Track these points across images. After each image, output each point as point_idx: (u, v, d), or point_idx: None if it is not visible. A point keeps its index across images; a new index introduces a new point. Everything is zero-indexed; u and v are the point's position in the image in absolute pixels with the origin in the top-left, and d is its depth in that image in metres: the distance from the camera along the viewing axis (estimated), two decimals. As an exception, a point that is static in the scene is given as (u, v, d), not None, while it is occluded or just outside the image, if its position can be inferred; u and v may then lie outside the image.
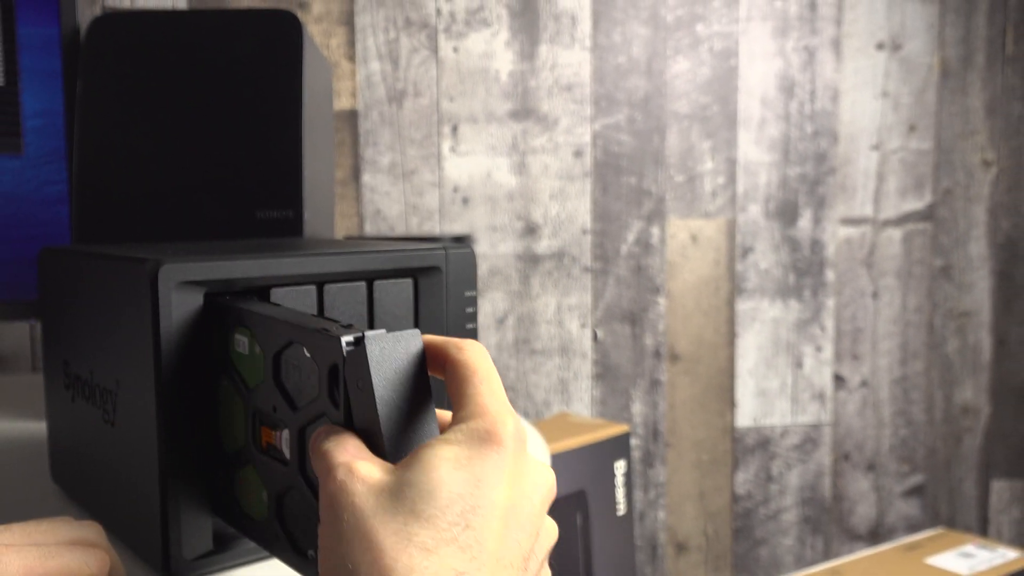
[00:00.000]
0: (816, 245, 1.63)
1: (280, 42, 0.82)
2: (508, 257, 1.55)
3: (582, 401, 1.59)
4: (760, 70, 1.60)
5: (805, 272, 1.64)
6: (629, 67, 1.56)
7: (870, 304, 1.67)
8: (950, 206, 1.68)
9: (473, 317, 0.65)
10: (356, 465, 0.41)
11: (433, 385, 0.44)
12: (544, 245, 1.56)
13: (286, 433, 0.48)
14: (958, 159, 1.67)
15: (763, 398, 1.65)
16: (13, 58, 0.93)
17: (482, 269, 1.54)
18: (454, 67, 1.51)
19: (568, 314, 1.58)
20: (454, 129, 1.52)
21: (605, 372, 1.60)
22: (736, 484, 1.66)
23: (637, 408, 1.61)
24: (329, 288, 0.57)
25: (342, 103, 1.49)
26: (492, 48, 1.52)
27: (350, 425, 0.43)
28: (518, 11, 1.52)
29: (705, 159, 1.59)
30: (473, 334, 0.65)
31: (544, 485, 0.44)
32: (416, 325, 0.62)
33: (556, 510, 1.31)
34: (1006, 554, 1.44)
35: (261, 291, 0.54)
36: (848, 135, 1.63)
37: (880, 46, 1.63)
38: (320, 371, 0.45)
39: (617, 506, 1.39)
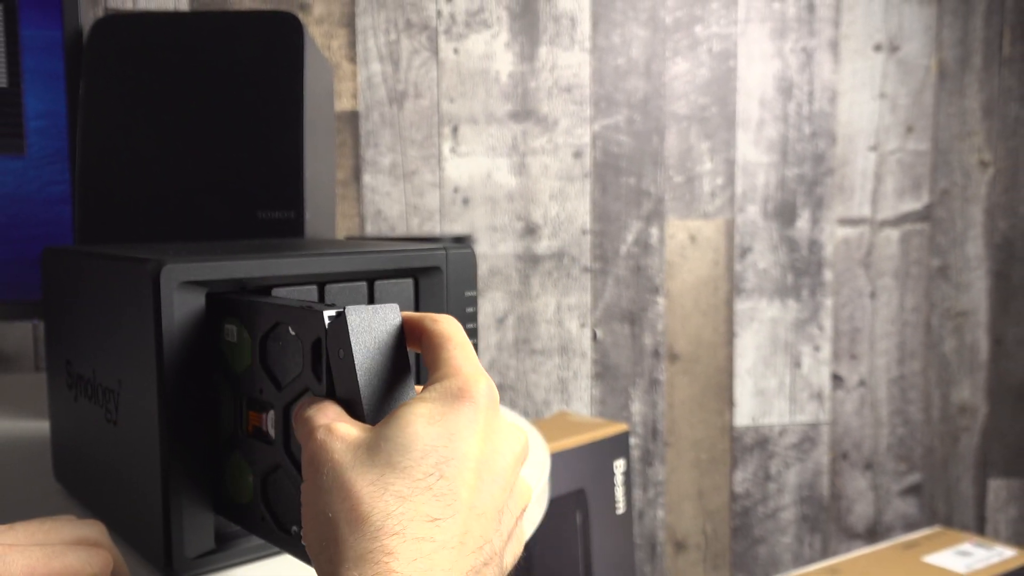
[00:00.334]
0: (814, 245, 1.64)
1: (281, 44, 0.82)
2: (508, 257, 1.55)
3: (581, 400, 1.60)
4: (758, 71, 1.60)
5: (803, 272, 1.64)
6: (628, 68, 1.56)
7: (868, 304, 1.67)
8: (947, 207, 1.68)
9: (473, 317, 0.65)
10: (335, 425, 0.43)
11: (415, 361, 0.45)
12: (544, 245, 1.56)
13: (271, 414, 0.50)
14: (955, 160, 1.67)
15: (761, 397, 1.65)
16: (16, 60, 0.94)
17: (482, 269, 1.55)
18: (454, 68, 1.51)
19: (568, 314, 1.58)
20: (454, 130, 1.52)
21: (604, 372, 1.60)
22: (735, 483, 1.66)
23: (636, 407, 1.62)
24: (330, 288, 0.57)
25: (343, 104, 1.49)
26: (492, 49, 1.52)
27: (332, 396, 0.45)
28: (518, 13, 1.52)
29: (704, 160, 1.59)
30: (473, 334, 0.65)
31: (517, 443, 0.45)
32: None
33: (556, 509, 1.31)
34: (1003, 552, 1.44)
35: (263, 291, 0.54)
36: (846, 136, 1.63)
37: (878, 48, 1.63)
38: (304, 347, 0.47)
39: (616, 505, 1.39)
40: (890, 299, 1.68)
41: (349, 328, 0.43)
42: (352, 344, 0.43)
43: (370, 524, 0.39)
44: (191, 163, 0.82)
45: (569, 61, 1.54)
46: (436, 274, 0.63)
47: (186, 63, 0.82)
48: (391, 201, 1.51)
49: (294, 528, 0.48)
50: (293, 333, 0.48)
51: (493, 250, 1.54)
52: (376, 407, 0.44)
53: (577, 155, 1.56)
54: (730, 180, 1.60)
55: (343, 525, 0.40)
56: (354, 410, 0.44)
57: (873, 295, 1.67)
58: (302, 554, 0.47)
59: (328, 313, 0.45)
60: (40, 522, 0.48)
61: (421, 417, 0.42)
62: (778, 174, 1.62)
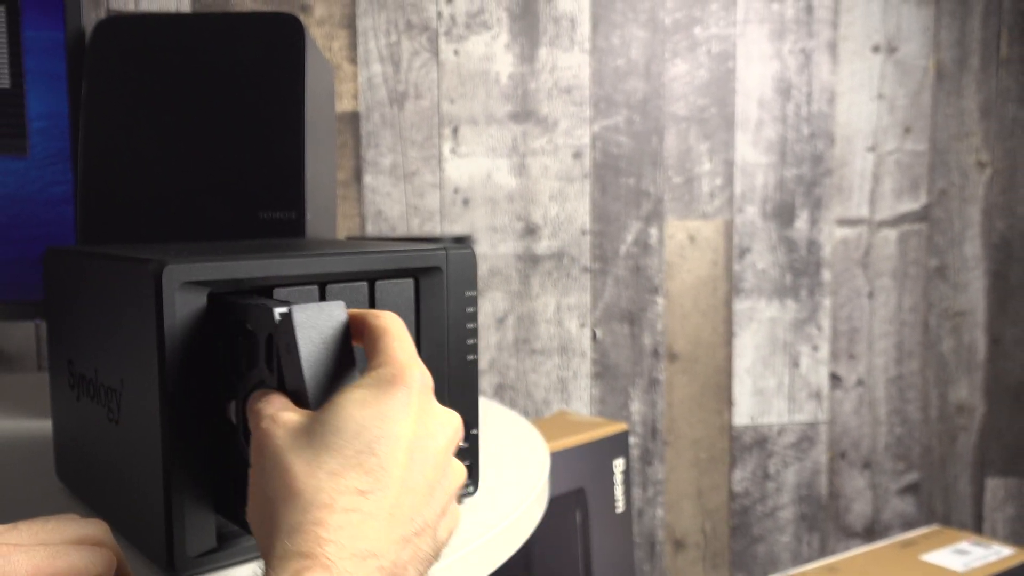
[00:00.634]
0: (813, 246, 1.64)
1: (282, 45, 0.82)
2: (508, 257, 1.55)
3: (581, 400, 1.60)
4: (757, 72, 1.60)
5: (802, 272, 1.64)
6: (628, 69, 1.57)
7: (866, 304, 1.67)
8: (945, 207, 1.68)
9: (473, 317, 0.66)
10: (279, 414, 0.46)
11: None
12: (544, 246, 1.56)
13: (233, 404, 0.53)
14: (953, 160, 1.67)
15: (760, 397, 1.65)
16: (18, 61, 0.94)
17: (482, 269, 1.55)
18: (455, 69, 1.52)
19: (567, 314, 1.58)
20: (455, 131, 1.52)
21: (604, 371, 1.60)
22: (733, 482, 1.66)
23: (636, 407, 1.62)
24: (331, 288, 0.57)
25: (344, 105, 1.49)
26: (492, 51, 1.52)
27: (282, 386, 0.48)
28: (518, 14, 1.53)
29: (703, 160, 1.60)
30: (473, 334, 0.66)
31: (449, 426, 0.48)
32: (417, 324, 0.63)
33: (555, 508, 1.32)
34: (1000, 551, 1.44)
35: (264, 291, 0.55)
36: (844, 137, 1.63)
37: (876, 49, 1.64)
38: (259, 342, 0.50)
39: (616, 504, 1.39)
40: (888, 299, 1.68)
41: (295, 324, 0.47)
42: (298, 339, 0.47)
43: (302, 498, 0.42)
44: (193, 164, 0.82)
45: (569, 62, 1.55)
46: (436, 274, 0.63)
47: (188, 64, 0.83)
48: (392, 202, 1.51)
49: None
50: (251, 329, 0.51)
51: (493, 250, 1.55)
52: (320, 396, 0.47)
53: (577, 156, 1.56)
54: (729, 181, 1.61)
55: (279, 502, 0.43)
56: (300, 399, 0.47)
57: (871, 295, 1.67)
58: None
59: (279, 310, 0.48)
60: (43, 521, 0.48)
61: (355, 401, 0.45)
62: (777, 175, 1.62)
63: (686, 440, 1.64)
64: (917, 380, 1.70)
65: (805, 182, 1.63)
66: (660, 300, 1.61)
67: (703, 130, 1.59)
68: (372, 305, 0.60)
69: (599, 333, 1.59)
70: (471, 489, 0.68)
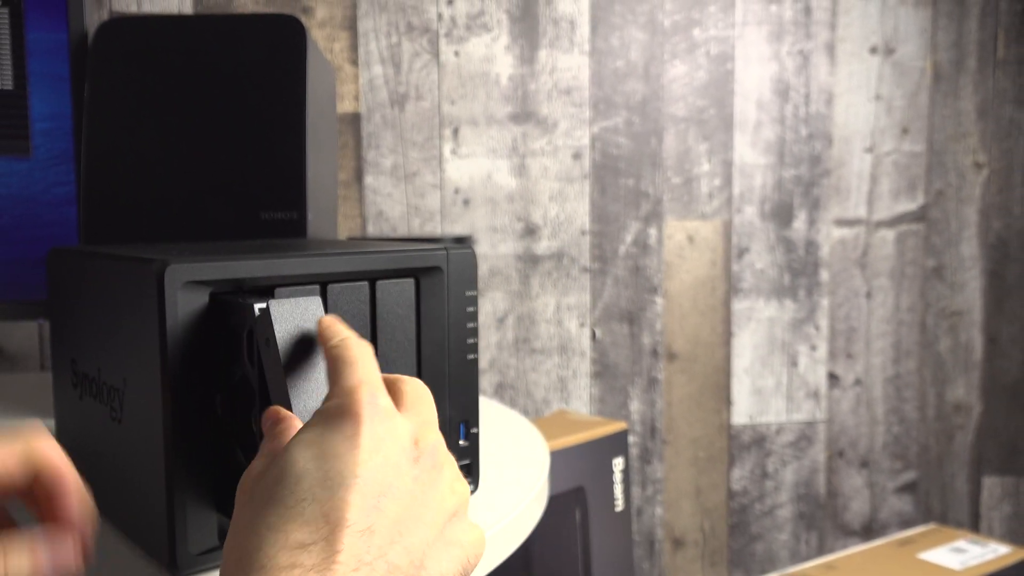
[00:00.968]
0: (811, 246, 1.64)
1: (284, 47, 0.82)
2: (508, 258, 1.56)
3: (581, 399, 1.60)
4: (756, 74, 1.60)
5: (800, 272, 1.65)
6: (627, 71, 1.57)
7: (864, 304, 1.68)
8: (942, 207, 1.68)
9: (474, 316, 0.66)
10: (253, 463, 0.44)
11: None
12: (543, 246, 1.57)
13: (218, 397, 0.54)
14: (950, 161, 1.68)
15: (758, 396, 1.66)
16: (22, 62, 0.94)
17: (482, 269, 1.55)
18: (455, 71, 1.52)
19: (567, 314, 1.58)
20: (455, 132, 1.52)
21: (603, 371, 1.60)
22: (732, 481, 1.66)
23: (635, 406, 1.62)
24: (332, 288, 0.57)
25: (345, 106, 1.49)
26: (492, 52, 1.53)
27: (263, 380, 0.49)
28: (518, 16, 1.53)
29: (701, 161, 1.60)
30: (474, 333, 0.66)
31: (425, 445, 0.45)
32: (418, 324, 0.63)
33: (555, 506, 1.32)
34: (997, 549, 1.44)
35: (266, 291, 0.55)
36: (842, 138, 1.64)
37: (873, 50, 1.64)
38: (241, 336, 0.51)
39: (615, 502, 1.39)
40: (886, 299, 1.68)
41: (273, 318, 0.48)
42: (276, 332, 0.48)
43: (243, 560, 0.40)
44: (195, 164, 0.81)
45: (568, 64, 1.55)
46: (437, 274, 0.63)
47: (190, 66, 0.82)
48: (392, 202, 1.52)
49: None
50: (233, 324, 0.52)
51: (493, 250, 1.55)
52: (301, 388, 0.48)
53: (576, 157, 1.56)
54: (727, 181, 1.61)
55: (227, 558, 0.41)
56: (280, 392, 0.47)
57: (869, 295, 1.67)
58: None
59: (258, 305, 0.49)
60: None
61: (300, 443, 0.42)
62: (775, 175, 1.62)
63: (685, 439, 1.64)
64: (914, 379, 1.71)
65: (803, 183, 1.63)
66: (659, 300, 1.61)
67: (702, 131, 1.59)
68: (373, 305, 0.60)
69: (598, 333, 1.59)
70: (471, 488, 0.68)
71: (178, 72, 0.83)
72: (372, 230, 1.51)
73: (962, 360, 1.71)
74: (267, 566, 0.39)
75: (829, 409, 1.68)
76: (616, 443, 1.39)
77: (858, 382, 1.69)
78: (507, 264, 1.55)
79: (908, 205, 1.67)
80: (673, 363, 1.62)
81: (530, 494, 0.73)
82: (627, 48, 1.56)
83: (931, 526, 1.58)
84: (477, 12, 1.51)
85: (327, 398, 0.45)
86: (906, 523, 1.72)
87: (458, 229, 1.53)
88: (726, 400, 1.65)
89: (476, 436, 0.67)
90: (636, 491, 1.63)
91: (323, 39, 1.48)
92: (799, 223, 1.63)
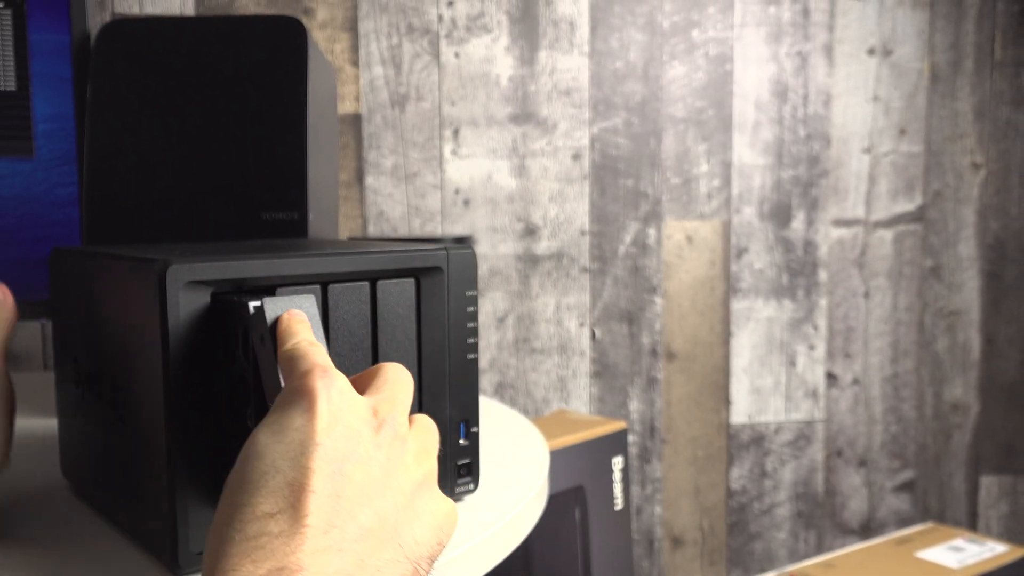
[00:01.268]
0: (809, 246, 1.64)
1: (285, 48, 0.82)
2: (508, 258, 1.56)
3: (580, 399, 1.60)
4: (754, 75, 1.61)
5: (798, 272, 1.65)
6: (626, 72, 1.57)
7: (862, 304, 1.68)
8: (940, 208, 1.69)
9: (474, 316, 0.66)
10: None
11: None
12: (543, 246, 1.57)
13: (220, 396, 0.55)
14: (948, 162, 1.68)
15: (757, 396, 1.66)
16: (24, 63, 0.94)
17: (483, 269, 1.55)
18: (455, 72, 1.52)
19: (567, 313, 1.59)
20: (455, 133, 1.53)
21: (603, 370, 1.61)
22: (731, 480, 1.67)
23: (634, 405, 1.62)
24: (333, 288, 0.57)
25: (346, 107, 1.50)
26: (492, 53, 1.53)
27: (257, 377, 0.50)
28: (518, 17, 1.53)
29: (700, 162, 1.60)
30: (474, 333, 0.66)
31: (386, 414, 0.46)
32: (418, 324, 0.63)
33: (555, 505, 1.32)
34: (995, 548, 1.45)
35: (267, 291, 0.55)
36: (840, 138, 1.64)
37: (871, 51, 1.64)
38: (237, 335, 0.52)
39: (615, 501, 1.39)
40: (884, 299, 1.68)
41: (267, 316, 0.49)
42: (271, 330, 0.49)
43: (214, 535, 0.41)
44: (196, 165, 0.81)
45: (568, 65, 1.55)
46: (437, 274, 0.63)
47: (192, 67, 0.82)
48: (393, 202, 1.52)
49: None
50: (231, 323, 0.53)
51: (493, 251, 1.55)
52: None
53: (576, 157, 1.56)
54: (726, 182, 1.61)
55: (206, 547, 0.42)
56: (275, 389, 0.48)
57: (867, 295, 1.68)
58: None
59: (253, 303, 0.50)
60: None
61: (261, 426, 0.44)
62: (773, 176, 1.62)
63: (684, 438, 1.65)
64: (912, 379, 1.71)
65: (802, 183, 1.63)
66: (658, 300, 1.61)
67: (701, 132, 1.60)
68: (374, 305, 0.60)
69: (598, 332, 1.60)
70: (471, 487, 0.68)
71: (180, 73, 0.83)
72: (373, 230, 1.51)
73: (960, 360, 1.72)
74: (235, 538, 0.39)
75: (827, 408, 1.68)
76: (615, 442, 1.39)
77: (856, 382, 1.69)
78: (507, 264, 1.55)
79: (906, 205, 1.67)
80: (672, 363, 1.62)
81: (530, 493, 0.73)
82: (626, 49, 1.57)
83: (929, 525, 1.59)
84: (477, 13, 1.52)
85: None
86: (904, 522, 1.73)
87: (458, 229, 1.54)
88: (725, 399, 1.65)
89: (476, 435, 0.67)
90: (635, 490, 1.63)
91: (324, 40, 1.48)
92: (797, 223, 1.63)
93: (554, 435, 1.32)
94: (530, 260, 1.56)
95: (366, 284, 0.60)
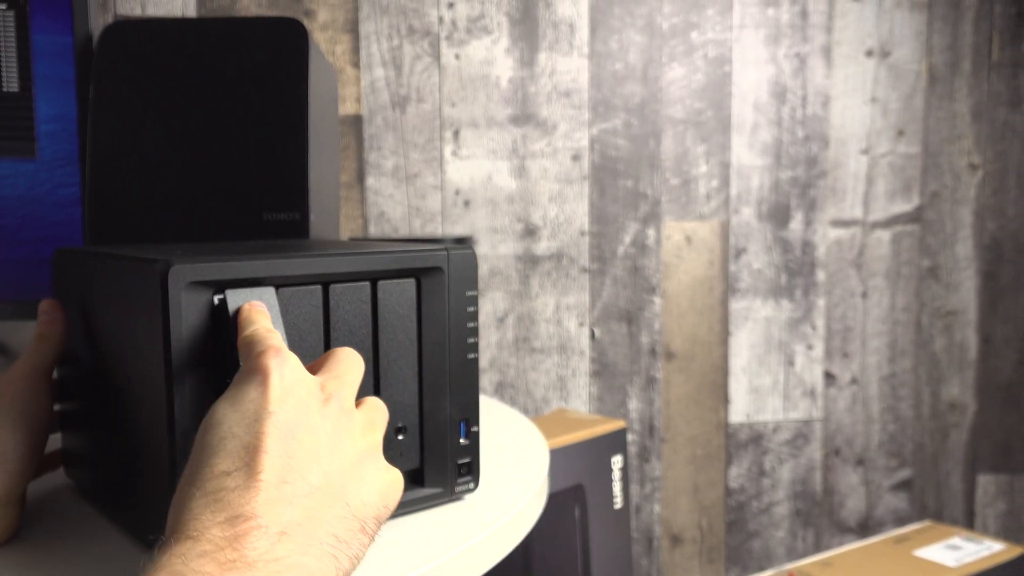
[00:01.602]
0: (807, 246, 1.65)
1: (287, 49, 0.82)
2: (508, 258, 1.56)
3: (580, 398, 1.61)
4: (753, 76, 1.61)
5: (796, 272, 1.65)
6: (626, 73, 1.58)
7: (859, 304, 1.68)
8: (937, 208, 1.69)
9: (474, 316, 0.66)
10: None
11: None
12: (543, 246, 1.57)
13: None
14: (945, 163, 1.68)
15: (756, 395, 1.66)
16: (27, 65, 0.94)
17: (483, 269, 1.56)
18: (456, 73, 1.53)
19: (566, 313, 1.59)
20: (456, 134, 1.53)
21: (602, 370, 1.61)
22: (729, 478, 1.67)
23: (633, 404, 1.63)
24: (334, 288, 0.58)
25: (347, 108, 1.50)
26: (493, 55, 1.53)
27: (224, 363, 0.52)
28: (518, 19, 1.53)
29: (699, 163, 1.61)
30: (474, 332, 0.66)
31: (334, 387, 0.50)
32: (419, 324, 0.63)
33: (555, 504, 1.32)
34: (991, 546, 1.45)
35: (244, 285, 0.55)
36: (838, 139, 1.64)
37: (869, 53, 1.64)
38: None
39: (614, 500, 1.39)
40: (881, 299, 1.69)
41: (229, 307, 0.52)
42: (234, 320, 0.52)
43: (177, 501, 0.44)
44: (198, 166, 0.81)
45: (568, 66, 1.55)
46: (438, 274, 0.63)
47: (193, 68, 0.82)
48: (394, 203, 1.52)
49: None
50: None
51: (493, 251, 1.55)
52: None
53: (576, 158, 1.57)
54: (725, 182, 1.62)
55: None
56: (233, 370, 0.50)
57: (865, 295, 1.68)
58: None
59: (216, 296, 0.52)
60: None
61: (219, 401, 0.47)
62: (772, 177, 1.63)
63: (683, 437, 1.65)
64: (910, 378, 1.71)
65: (800, 184, 1.63)
66: (657, 300, 1.61)
67: (699, 133, 1.60)
68: (375, 305, 0.60)
69: (597, 332, 1.60)
70: (472, 485, 0.68)
71: (182, 74, 0.82)
72: (374, 231, 1.51)
73: (957, 359, 1.72)
74: (196, 495, 0.43)
75: (825, 408, 1.69)
76: (615, 441, 1.39)
77: (854, 381, 1.69)
78: (507, 264, 1.56)
79: (903, 206, 1.67)
80: (671, 362, 1.63)
81: (530, 492, 0.73)
82: (626, 51, 1.57)
83: (926, 523, 1.59)
84: (477, 15, 1.52)
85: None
86: (901, 520, 1.73)
87: (459, 230, 1.54)
88: (723, 399, 1.65)
89: (476, 434, 0.67)
90: (635, 489, 1.63)
91: (325, 42, 1.48)
92: (796, 224, 1.64)
93: (554, 434, 1.32)
94: (530, 260, 1.56)
95: (367, 284, 0.60)
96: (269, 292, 0.54)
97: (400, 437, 0.64)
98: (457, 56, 1.52)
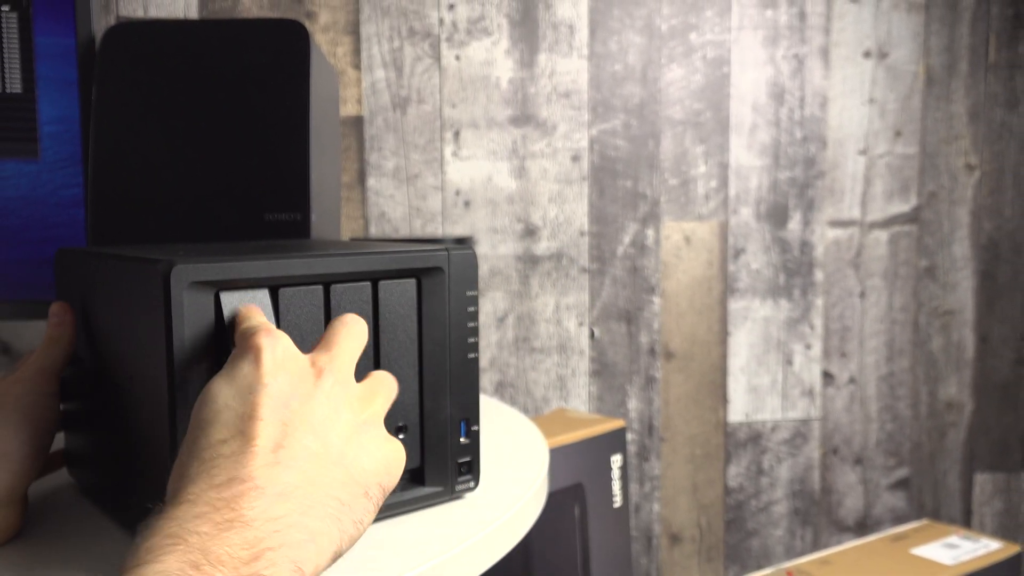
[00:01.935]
0: (805, 246, 1.65)
1: (288, 51, 0.82)
2: (508, 258, 1.57)
3: (579, 397, 1.61)
4: (751, 77, 1.61)
5: (795, 272, 1.65)
6: (625, 75, 1.58)
7: (857, 303, 1.68)
8: (935, 209, 1.69)
9: (474, 316, 0.66)
10: None
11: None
12: (543, 247, 1.57)
13: None
14: (942, 163, 1.68)
15: (754, 394, 1.66)
16: (30, 66, 0.94)
17: (483, 270, 1.56)
18: (456, 75, 1.53)
19: (566, 313, 1.59)
20: (456, 135, 1.53)
21: (602, 369, 1.61)
22: (728, 477, 1.67)
23: (633, 404, 1.63)
24: (335, 288, 0.58)
25: (348, 110, 1.50)
26: (493, 56, 1.53)
27: (218, 365, 0.53)
28: (518, 20, 1.54)
29: (698, 163, 1.61)
30: (474, 332, 0.66)
31: (327, 362, 0.50)
32: (419, 323, 0.63)
33: (554, 503, 1.32)
34: (989, 544, 1.45)
35: (269, 291, 0.56)
36: (836, 140, 1.64)
37: (867, 54, 1.64)
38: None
39: (613, 499, 1.39)
40: (879, 299, 1.69)
41: (223, 308, 0.53)
42: (226, 321, 0.53)
43: (177, 470, 0.45)
44: (200, 167, 0.81)
45: (567, 67, 1.56)
46: (438, 274, 0.64)
47: (195, 70, 0.82)
48: (394, 204, 1.53)
49: None
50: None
51: (493, 251, 1.56)
52: None
53: (575, 159, 1.57)
54: (724, 183, 1.62)
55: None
56: None
57: (863, 295, 1.68)
58: None
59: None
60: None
61: (214, 379, 0.49)
62: (770, 177, 1.63)
63: (682, 437, 1.65)
64: (907, 378, 1.71)
65: (798, 184, 1.64)
66: (656, 300, 1.62)
67: (698, 134, 1.60)
68: (376, 305, 0.61)
69: (597, 332, 1.60)
70: (472, 484, 0.68)
71: (184, 76, 0.82)
72: (374, 231, 1.52)
73: (954, 359, 1.72)
74: (194, 464, 0.44)
75: (823, 407, 1.69)
76: (614, 440, 1.39)
77: (852, 380, 1.69)
78: (507, 264, 1.56)
79: (901, 207, 1.68)
80: (670, 362, 1.63)
81: (530, 491, 0.73)
82: (625, 52, 1.57)
83: (924, 522, 1.59)
84: (478, 17, 1.52)
85: None
86: (899, 519, 1.73)
87: (459, 230, 1.54)
88: (722, 398, 1.65)
89: (476, 434, 0.68)
90: (634, 488, 1.63)
91: (326, 43, 1.48)
92: (794, 224, 1.64)
93: (553, 433, 1.32)
94: (530, 260, 1.57)
95: (368, 284, 0.60)
96: (263, 293, 0.55)
97: (401, 436, 0.64)
98: (457, 57, 1.52)
